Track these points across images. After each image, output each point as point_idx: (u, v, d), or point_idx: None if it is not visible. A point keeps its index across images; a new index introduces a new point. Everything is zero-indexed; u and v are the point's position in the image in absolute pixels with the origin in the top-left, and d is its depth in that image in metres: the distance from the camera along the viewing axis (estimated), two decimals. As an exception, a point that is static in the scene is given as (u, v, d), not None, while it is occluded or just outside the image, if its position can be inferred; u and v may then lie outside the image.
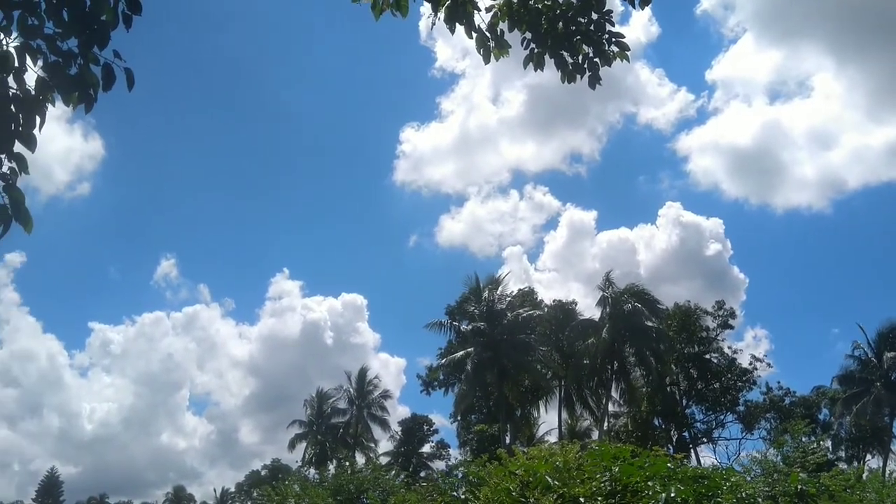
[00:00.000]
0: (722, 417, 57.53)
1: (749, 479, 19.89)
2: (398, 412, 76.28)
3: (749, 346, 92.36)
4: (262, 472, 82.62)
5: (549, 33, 6.31)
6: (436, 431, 72.84)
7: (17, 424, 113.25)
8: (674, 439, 55.55)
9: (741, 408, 56.58)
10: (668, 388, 55.34)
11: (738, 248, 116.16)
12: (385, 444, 69.06)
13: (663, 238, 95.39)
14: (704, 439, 57.83)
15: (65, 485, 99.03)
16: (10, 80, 3.91)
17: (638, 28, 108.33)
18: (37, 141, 3.94)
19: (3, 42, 3.92)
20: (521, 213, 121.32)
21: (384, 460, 65.69)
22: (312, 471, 59.93)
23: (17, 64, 3.92)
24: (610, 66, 6.43)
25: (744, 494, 11.83)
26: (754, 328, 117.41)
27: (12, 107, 3.89)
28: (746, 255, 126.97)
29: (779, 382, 59.16)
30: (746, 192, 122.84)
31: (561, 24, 6.27)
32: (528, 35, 6.37)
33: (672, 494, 9.46)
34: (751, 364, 56.42)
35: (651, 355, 50.00)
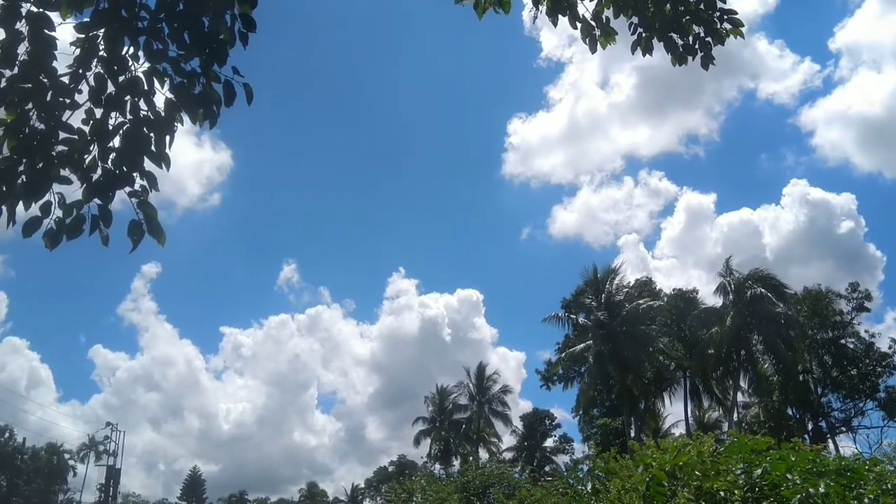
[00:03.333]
0: (861, 405, 54.51)
1: (892, 469, 18.77)
2: (520, 406, 76.45)
3: (890, 328, 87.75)
4: (390, 468, 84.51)
5: (657, 16, 6.15)
6: (558, 426, 72.57)
7: (161, 427, 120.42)
8: (809, 429, 53.08)
9: (882, 394, 53.38)
10: (801, 377, 52.91)
11: (874, 225, 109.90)
12: (508, 439, 69.31)
13: (790, 218, 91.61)
14: (843, 428, 54.96)
15: (206, 483, 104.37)
16: (141, 102, 4.15)
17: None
18: (169, 159, 4.19)
19: (132, 68, 4.16)
20: (636, 199, 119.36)
21: (507, 455, 65.95)
22: (437, 466, 60.85)
23: (146, 87, 4.16)
24: (723, 44, 6.21)
25: (889, 486, 11.18)
26: (895, 309, 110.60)
27: (145, 129, 4.14)
28: (883, 232, 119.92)
29: (924, 367, 55.48)
30: (880, 164, 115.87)
31: (668, 5, 6.11)
32: (635, 20, 6.23)
33: (822, 489, 9.02)
34: (891, 348, 53.19)
35: (781, 342, 47.93)
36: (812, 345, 52.90)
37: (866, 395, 53.75)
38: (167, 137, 4.19)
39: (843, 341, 53.77)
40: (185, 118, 4.27)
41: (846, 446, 52.43)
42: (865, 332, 54.14)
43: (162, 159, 4.16)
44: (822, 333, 53.46)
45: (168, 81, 4.22)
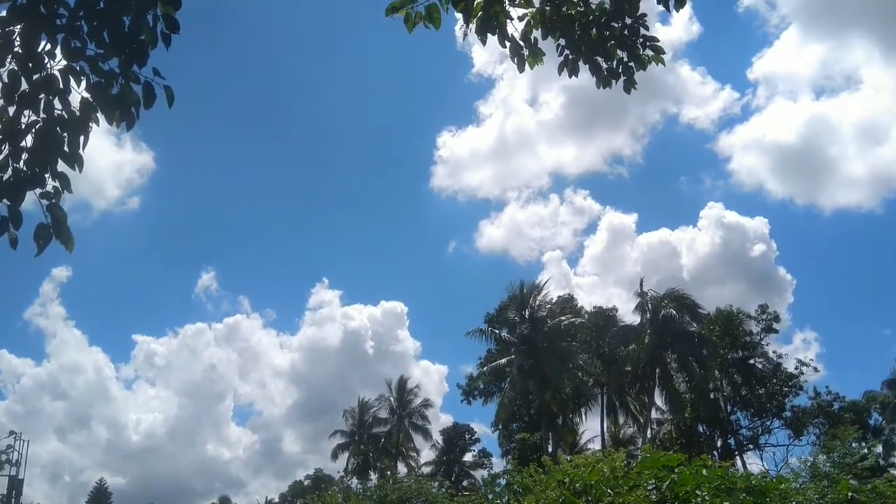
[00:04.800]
0: (768, 423, 56.51)
1: (798, 485, 19.49)
2: (441, 420, 76.34)
3: (798, 349, 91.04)
4: (305, 482, 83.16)
5: (583, 39, 6.27)
6: (477, 440, 72.77)
7: (67, 436, 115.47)
8: (718, 446, 54.70)
9: (788, 413, 55.50)
10: (712, 395, 54.52)
11: (785, 249, 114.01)
12: (427, 454, 69.18)
13: (706, 240, 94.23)
14: (751, 446, 56.85)
15: (113, 495, 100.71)
16: (56, 101, 4.02)
17: (679, 27, 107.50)
18: (83, 160, 4.05)
19: (48, 65, 4.02)
20: (561, 217, 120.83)
21: (426, 470, 65.80)
22: (355, 480, 60.26)
23: (61, 86, 4.03)
24: (645, 70, 6.37)
25: (794, 503, 11.61)
26: (803, 331, 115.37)
27: (58, 128, 4.00)
28: (793, 256, 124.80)
29: (827, 387, 57.93)
30: (792, 191, 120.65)
31: (594, 29, 6.24)
32: (562, 42, 6.35)
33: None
34: (797, 368, 55.37)
35: (694, 361, 49.38)
36: (723, 364, 54.57)
37: (773, 414, 55.73)
38: (81, 138, 4.06)
39: (752, 361, 55.65)
40: (102, 119, 4.14)
41: (753, 463, 54.28)
42: (774, 352, 56.23)
43: (75, 160, 4.03)
44: (732, 353, 55.21)
45: (85, 80, 4.10)
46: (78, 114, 4.06)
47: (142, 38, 4.15)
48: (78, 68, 4.08)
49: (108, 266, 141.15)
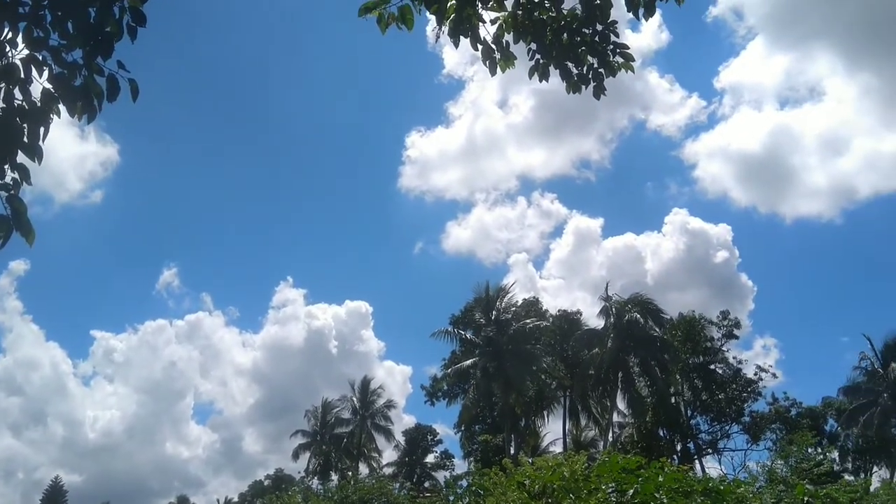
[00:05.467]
0: (727, 428, 57.32)
1: (755, 489, 19.78)
2: (404, 421, 76.20)
3: (758, 355, 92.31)
4: (266, 482, 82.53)
5: (554, 45, 6.30)
6: (440, 441, 72.83)
7: (22, 433, 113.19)
8: (678, 450, 55.33)
9: (746, 419, 56.36)
10: (673, 399, 55.16)
11: (747, 256, 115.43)
12: (389, 454, 69.00)
13: (670, 245, 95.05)
14: (709, 450, 57.60)
15: (69, 493, 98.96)
16: (16, 91, 3.94)
17: (648, 35, 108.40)
18: (42, 152, 3.97)
19: (10, 54, 3.95)
20: (528, 220, 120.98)
21: (388, 470, 65.66)
22: (316, 481, 59.92)
23: (22, 76, 3.95)
24: (614, 76, 6.42)
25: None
26: (763, 337, 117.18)
27: (18, 118, 3.92)
28: (755, 264, 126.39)
29: (785, 393, 59.05)
30: (755, 199, 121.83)
31: (566, 35, 6.27)
32: (534, 46, 6.37)
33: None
34: (756, 374, 56.25)
35: (656, 365, 49.89)
36: (684, 369, 55.20)
37: (732, 419, 56.54)
38: (41, 129, 3.97)
39: (712, 367, 56.41)
40: (63, 111, 4.06)
41: (712, 467, 55.02)
42: (734, 358, 57.05)
43: (34, 152, 3.94)
44: (693, 358, 55.89)
45: (47, 71, 4.02)
46: (39, 104, 3.99)
47: (107, 30, 4.08)
48: (40, 58, 4.01)
49: (67, 260, 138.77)
